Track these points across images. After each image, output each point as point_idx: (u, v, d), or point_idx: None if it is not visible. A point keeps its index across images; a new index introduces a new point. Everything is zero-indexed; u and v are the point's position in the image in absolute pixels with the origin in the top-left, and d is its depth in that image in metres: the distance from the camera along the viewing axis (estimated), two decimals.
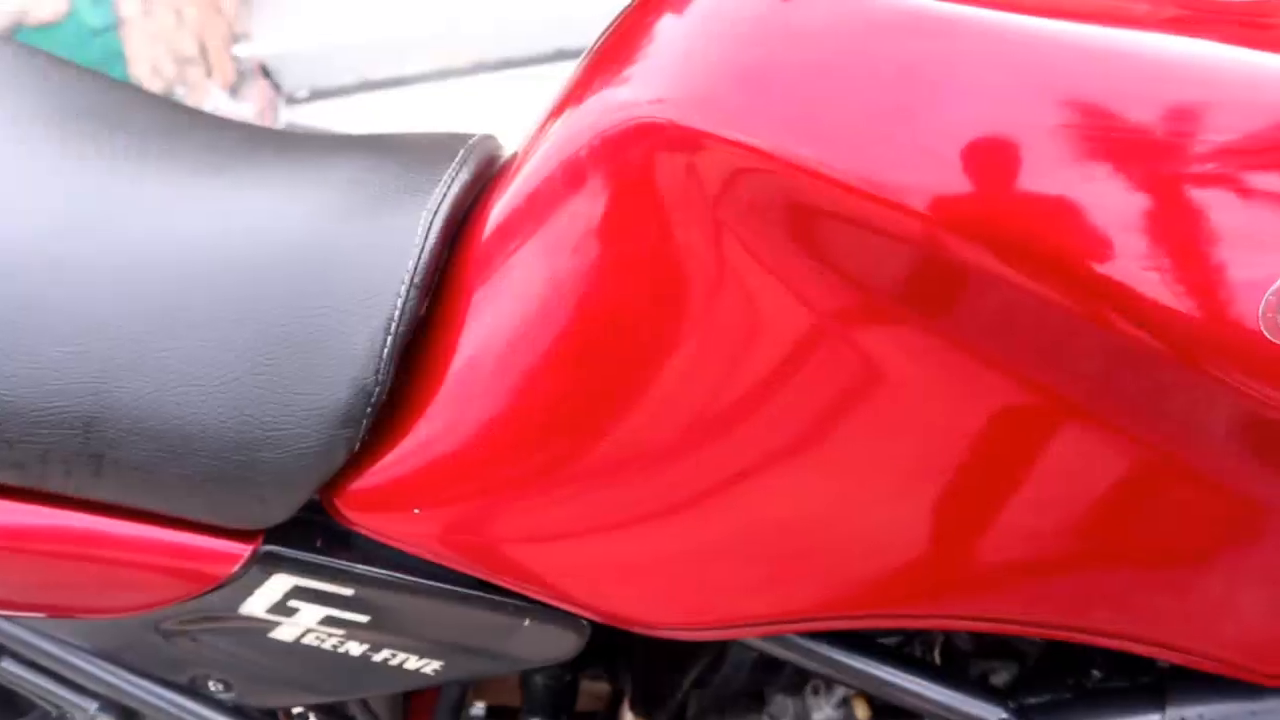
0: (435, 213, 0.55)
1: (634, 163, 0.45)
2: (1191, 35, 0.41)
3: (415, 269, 0.53)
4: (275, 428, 0.53)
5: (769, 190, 0.42)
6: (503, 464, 0.52)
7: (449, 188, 0.56)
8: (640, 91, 0.46)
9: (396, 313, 0.53)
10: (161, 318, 0.54)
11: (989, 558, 0.48)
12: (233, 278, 0.55)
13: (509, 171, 0.55)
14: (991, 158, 0.39)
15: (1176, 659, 0.51)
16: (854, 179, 0.40)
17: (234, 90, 2.61)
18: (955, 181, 0.39)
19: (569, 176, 0.48)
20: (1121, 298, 0.38)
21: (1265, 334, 0.38)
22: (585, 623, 0.58)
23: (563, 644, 0.59)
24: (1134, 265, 0.38)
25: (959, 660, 0.63)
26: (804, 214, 0.42)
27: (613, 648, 0.72)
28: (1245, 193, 0.38)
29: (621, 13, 0.53)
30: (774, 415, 0.46)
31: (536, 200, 0.50)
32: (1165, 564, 0.48)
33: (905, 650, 0.63)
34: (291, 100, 2.79)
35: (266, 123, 2.64)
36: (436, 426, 0.53)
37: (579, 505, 0.52)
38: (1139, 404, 0.42)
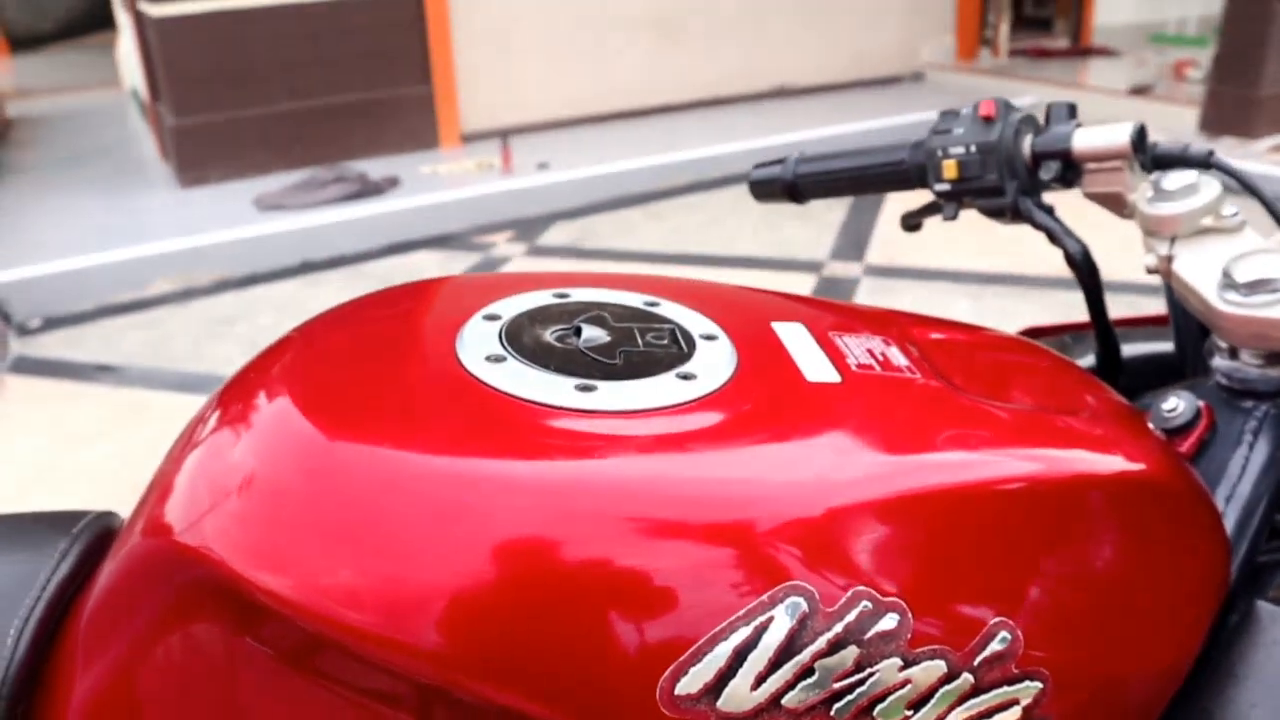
0: (26, 621, 0.60)
1: (162, 584, 0.52)
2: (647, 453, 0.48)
3: (4, 682, 0.58)
4: None
5: (285, 629, 0.48)
6: None
7: (44, 590, 0.61)
8: (179, 516, 0.52)
9: None
10: None
11: None
12: None
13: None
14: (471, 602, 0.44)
15: None
16: (356, 624, 0.45)
17: None
18: (448, 625, 0.45)
19: (115, 591, 0.54)
20: (542, 694, 0.45)
21: (662, 709, 0.48)
22: None
23: None
24: (548, 671, 0.45)
25: None
26: (309, 649, 0.48)
27: None
28: (649, 596, 0.48)
29: (189, 425, 0.60)
30: None
31: (97, 608, 0.56)
32: None
33: None
34: (24, 331, 2.71)
35: None
36: None
37: None
38: None
